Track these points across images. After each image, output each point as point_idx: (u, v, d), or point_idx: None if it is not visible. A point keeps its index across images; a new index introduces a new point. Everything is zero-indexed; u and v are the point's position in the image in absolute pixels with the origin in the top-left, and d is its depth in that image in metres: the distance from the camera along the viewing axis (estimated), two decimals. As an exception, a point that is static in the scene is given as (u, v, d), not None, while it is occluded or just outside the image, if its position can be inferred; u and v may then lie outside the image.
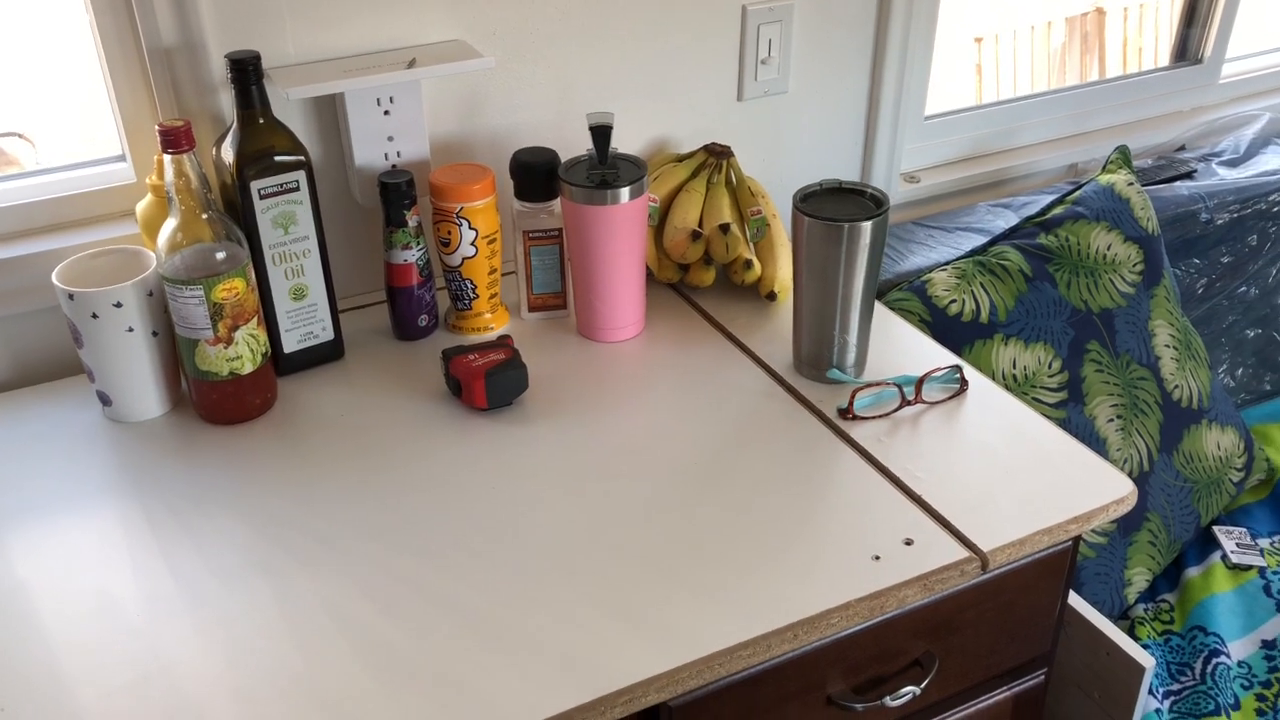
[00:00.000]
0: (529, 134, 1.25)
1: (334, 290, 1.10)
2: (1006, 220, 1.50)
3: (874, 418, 1.03)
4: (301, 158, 1.02)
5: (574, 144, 1.28)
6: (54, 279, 0.99)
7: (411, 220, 1.11)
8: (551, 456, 0.99)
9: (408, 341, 1.16)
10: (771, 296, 1.21)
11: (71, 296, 0.98)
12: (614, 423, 1.03)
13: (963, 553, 0.88)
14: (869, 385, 1.05)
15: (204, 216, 0.97)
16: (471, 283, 1.14)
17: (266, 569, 0.87)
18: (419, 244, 1.12)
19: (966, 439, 1.00)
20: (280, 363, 1.09)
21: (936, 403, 1.05)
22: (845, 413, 1.04)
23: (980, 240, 1.46)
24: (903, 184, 1.54)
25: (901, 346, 1.14)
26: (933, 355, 1.13)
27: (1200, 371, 1.44)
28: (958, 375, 1.07)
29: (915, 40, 1.42)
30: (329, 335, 1.11)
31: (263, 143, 1.01)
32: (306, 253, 1.06)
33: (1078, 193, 1.43)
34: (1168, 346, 1.41)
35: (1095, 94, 1.69)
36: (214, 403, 1.03)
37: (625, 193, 1.08)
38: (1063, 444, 0.99)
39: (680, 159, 1.30)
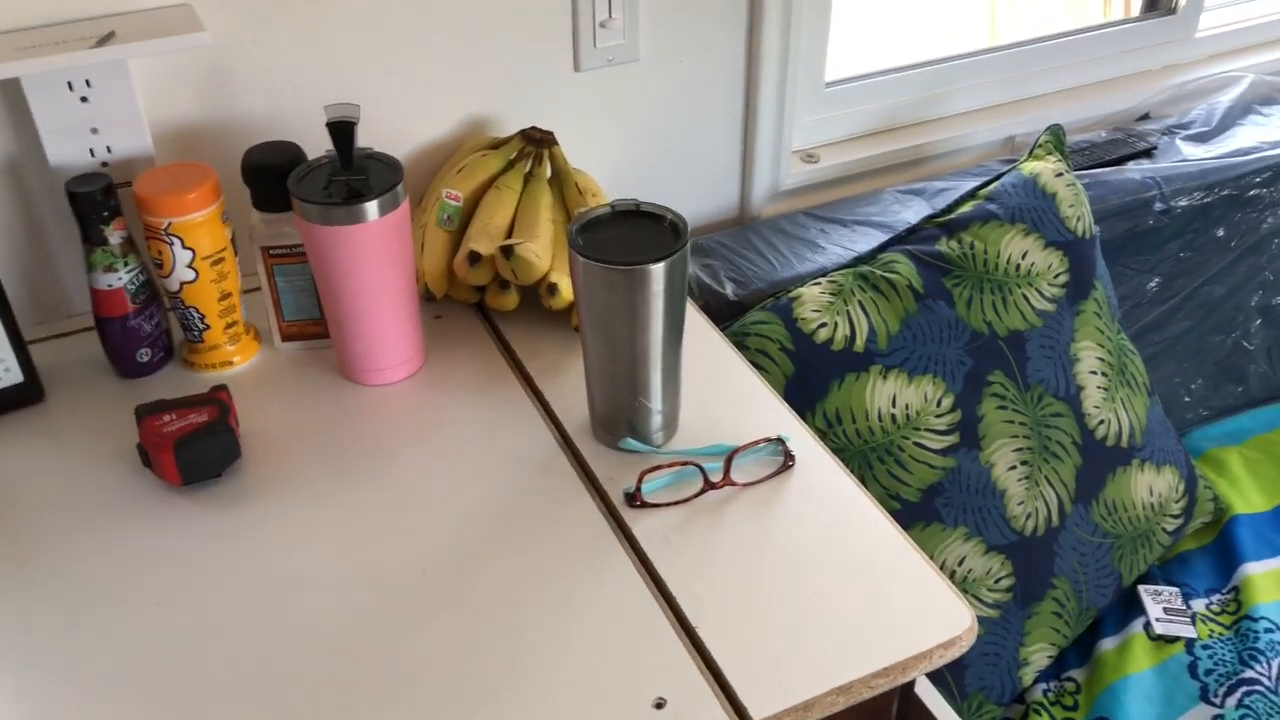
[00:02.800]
0: (296, 120, 1.01)
1: (16, 324, 0.88)
2: (916, 211, 1.26)
3: (667, 505, 0.82)
4: (-60, 165, 0.80)
5: (360, 125, 1.04)
6: None
7: (114, 236, 0.89)
8: (255, 553, 0.78)
9: (132, 379, 0.95)
10: (586, 325, 0.98)
11: None
12: (345, 504, 0.82)
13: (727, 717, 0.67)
14: (661, 467, 0.83)
15: None
16: (197, 311, 0.92)
17: None
18: (128, 264, 0.90)
19: (774, 542, 0.78)
20: (-48, 412, 0.89)
21: (751, 484, 0.83)
22: (632, 498, 0.82)
23: (883, 237, 1.22)
24: (797, 163, 1.30)
25: (735, 399, 0.92)
26: (771, 411, 0.90)
27: (1135, 400, 1.21)
28: (781, 449, 0.85)
29: (801, -5, 1.17)
30: (16, 377, 0.90)
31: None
32: (-36, 282, 0.84)
33: (993, 185, 1.18)
34: (1094, 373, 1.18)
35: (1039, 53, 1.43)
36: None
37: (372, 207, 0.85)
38: (897, 554, 0.77)
39: (495, 145, 1.07)
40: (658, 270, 0.78)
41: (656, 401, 0.84)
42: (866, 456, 1.06)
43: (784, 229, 1.24)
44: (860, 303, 1.08)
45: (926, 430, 1.08)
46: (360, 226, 0.85)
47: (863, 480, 1.05)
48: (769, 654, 0.71)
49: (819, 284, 1.10)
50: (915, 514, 1.07)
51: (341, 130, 0.86)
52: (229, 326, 0.94)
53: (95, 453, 0.87)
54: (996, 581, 1.09)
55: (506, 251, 0.93)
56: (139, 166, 0.94)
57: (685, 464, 0.82)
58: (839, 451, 1.06)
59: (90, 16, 0.90)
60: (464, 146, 1.08)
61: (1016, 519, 1.10)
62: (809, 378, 1.05)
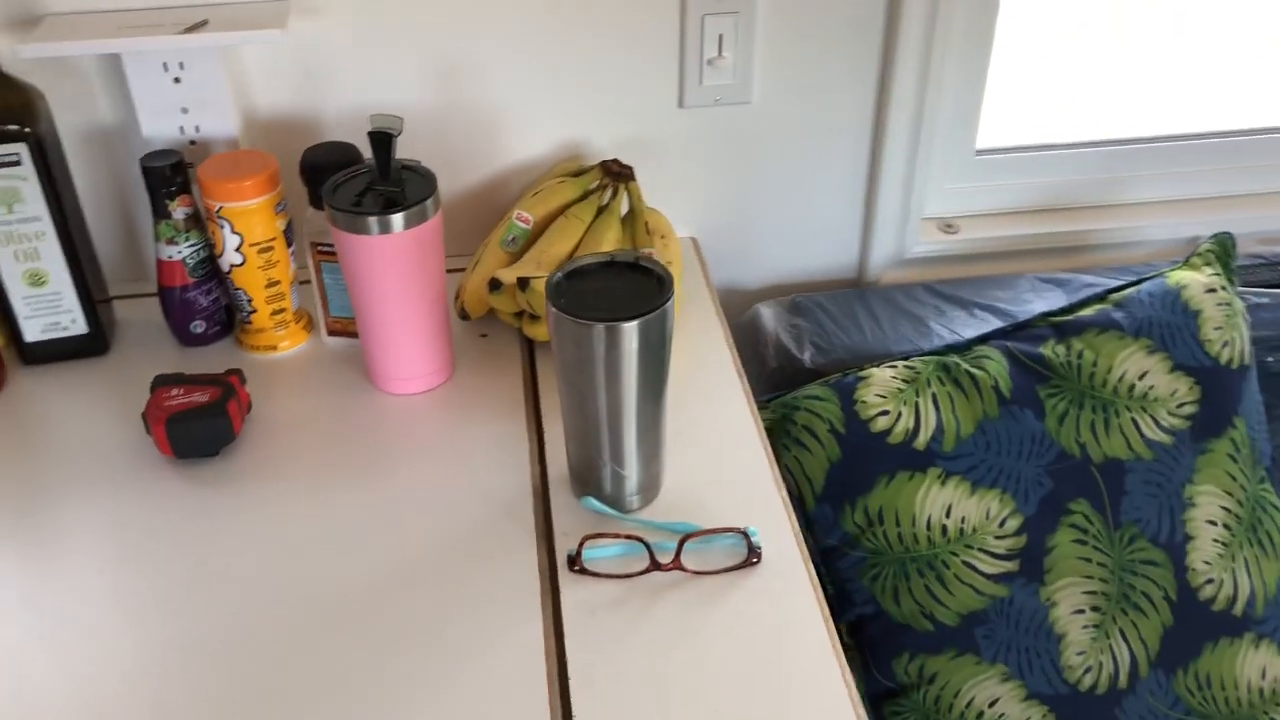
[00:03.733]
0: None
1: (86, 280, 0.95)
2: (1050, 304, 1.13)
3: (608, 576, 0.77)
4: (25, 128, 0.87)
5: (450, 134, 1.05)
6: None
7: (178, 211, 0.94)
8: (221, 533, 0.81)
9: (187, 348, 1.00)
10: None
11: None
12: (314, 505, 0.83)
13: (551, 830, 0.62)
14: (605, 535, 0.78)
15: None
16: (245, 294, 0.96)
17: None
18: (189, 239, 0.95)
19: (698, 644, 0.72)
20: (24, 351, 0.97)
21: (705, 573, 0.77)
22: (573, 561, 0.78)
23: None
24: (931, 232, 1.20)
25: (736, 477, 0.85)
26: (768, 499, 0.83)
27: (1265, 565, 1.03)
28: (744, 543, 0.78)
29: (954, 42, 1.07)
30: (81, 329, 0.97)
31: (-21, 104, 0.87)
32: (40, 235, 0.91)
33: (1127, 290, 1.04)
34: (1212, 523, 1.01)
35: (1254, 146, 1.25)
36: (-92, 389, 0.92)
37: (398, 220, 0.85)
38: (827, 701, 0.69)
39: (576, 174, 1.05)
40: (629, 329, 0.73)
41: (626, 465, 0.80)
42: (905, 566, 0.96)
43: (896, 300, 1.14)
44: (934, 395, 0.98)
45: (981, 550, 0.96)
46: (385, 237, 0.85)
47: (893, 592, 0.96)
48: (636, 764, 0.65)
49: (894, 366, 1.01)
50: (948, 639, 0.96)
51: (381, 140, 0.86)
52: (276, 313, 0.98)
53: (125, 411, 0.92)
54: (1033, 735, 0.96)
55: (523, 284, 0.91)
56: (222, 148, 0.99)
57: (631, 538, 0.77)
58: (874, 554, 0.96)
59: (192, 4, 0.95)
60: (553, 170, 1.07)
61: (1072, 670, 0.97)
62: (855, 467, 0.97)
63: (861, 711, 0.68)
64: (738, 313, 1.19)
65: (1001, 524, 0.97)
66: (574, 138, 1.08)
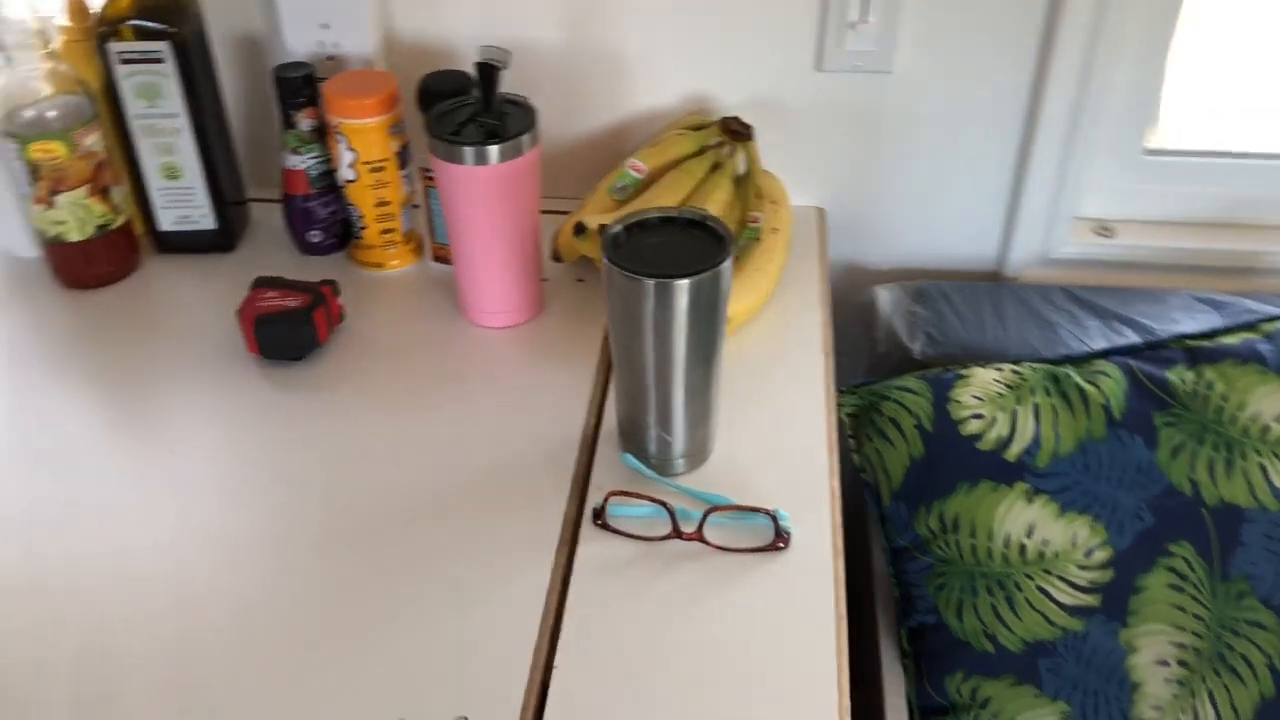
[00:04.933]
0: (526, 53, 1.04)
1: (218, 178, 1.00)
2: (1204, 324, 1.03)
3: (629, 536, 0.76)
4: (171, 28, 0.92)
5: (579, 76, 1.05)
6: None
7: (304, 123, 0.97)
8: (293, 431, 0.84)
9: (304, 256, 1.04)
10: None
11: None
12: (378, 421, 0.85)
13: (499, 773, 0.62)
14: (630, 494, 0.76)
15: (47, 68, 0.92)
16: (357, 210, 0.99)
17: None
18: (312, 151, 0.99)
19: (700, 618, 0.70)
20: (159, 239, 1.04)
21: (727, 550, 0.75)
22: (597, 515, 0.77)
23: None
24: (1083, 233, 1.11)
25: (792, 458, 0.82)
26: (818, 487, 0.80)
27: (1402, 649, 0.91)
28: (777, 525, 0.75)
29: (1130, 23, 0.97)
30: (210, 224, 1.03)
31: (133, 2, 0.92)
32: (176, 131, 0.97)
33: (1276, 324, 0.93)
34: (1342, 594, 0.90)
35: None
36: (50, 261, 1.00)
37: (486, 152, 0.85)
38: (818, 703, 0.66)
39: (697, 128, 1.02)
40: (680, 287, 0.71)
41: (668, 427, 0.78)
42: (973, 580, 0.90)
43: (1029, 301, 1.06)
44: (1037, 406, 0.91)
45: (1060, 578, 0.89)
46: (474, 169, 0.86)
47: (957, 606, 0.90)
48: (601, 726, 0.64)
49: (999, 369, 0.94)
50: (1009, 665, 0.90)
51: (486, 72, 0.86)
52: (385, 232, 1.00)
53: (233, 307, 0.97)
54: (1088, 784, 0.89)
55: (579, 229, 0.90)
56: (357, 66, 1.02)
57: (657, 501, 0.75)
58: (943, 563, 0.91)
59: (342, -77, 0.98)
60: (676, 122, 1.05)
61: (1144, 724, 0.89)
62: (937, 469, 0.91)
63: (847, 720, 0.65)
64: (856, 292, 1.14)
65: (1088, 554, 0.89)
66: (703, 91, 1.05)
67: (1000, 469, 0.90)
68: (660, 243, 0.75)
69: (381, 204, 0.98)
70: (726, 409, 0.86)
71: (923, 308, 1.06)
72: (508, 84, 0.87)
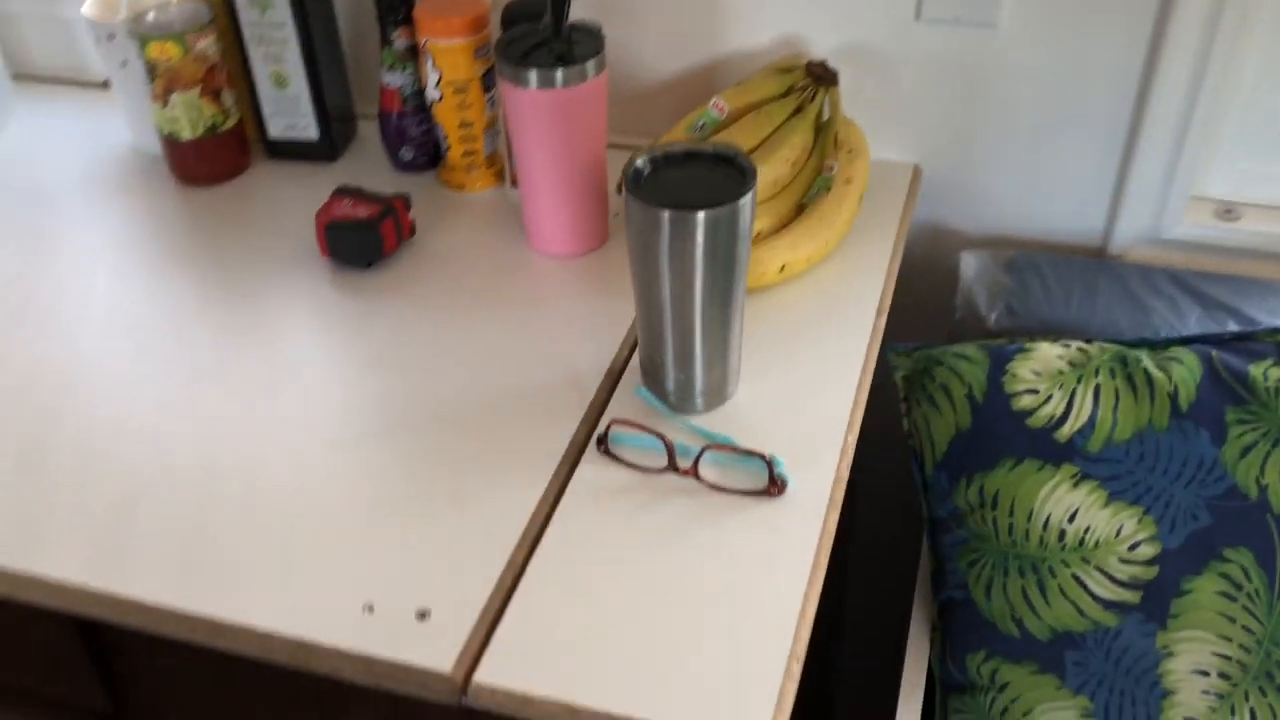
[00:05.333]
0: (618, -13, 1.04)
1: (323, 89, 1.05)
2: (1319, 324, 0.94)
3: (628, 465, 0.76)
4: (280, -59, 0.98)
5: (676, 11, 1.04)
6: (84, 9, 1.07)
7: (399, 41, 1.01)
8: (339, 331, 0.89)
9: (399, 172, 1.09)
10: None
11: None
12: (427, 330, 0.89)
13: (443, 660, 0.64)
14: (630, 424, 0.77)
15: (172, -26, 0.99)
16: (441, 130, 1.02)
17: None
18: (406, 69, 1.02)
19: (683, 560, 0.70)
20: (268, 144, 1.10)
21: (720, 489, 0.74)
22: (600, 441, 0.78)
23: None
24: (1202, 214, 1.03)
25: (815, 410, 0.81)
26: (834, 441, 0.78)
27: None
28: (773, 472, 0.74)
29: None
30: (313, 134, 1.08)
31: (249, -85, 0.98)
32: (285, 41, 1.02)
33: (1388, 325, 0.84)
34: None
35: None
36: (167, 157, 1.07)
37: (551, 76, 0.86)
38: (772, 641, 0.65)
39: (785, 70, 1.00)
40: (696, 220, 0.71)
41: (682, 364, 0.78)
42: (1006, 560, 0.86)
43: (1127, 281, 1.00)
44: (1098, 387, 0.86)
45: (1099, 569, 0.84)
46: (534, 92, 0.87)
47: (987, 584, 0.87)
48: (548, 638, 0.65)
49: (1066, 345, 0.89)
50: (1032, 652, 0.86)
51: (556, 1, 0.87)
52: (466, 154, 1.03)
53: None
54: (1104, 786, 0.85)
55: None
56: (458, -10, 1.04)
57: (655, 434, 0.76)
58: (978, 539, 0.88)
59: None
60: (767, 64, 1.03)
61: (1173, 734, 0.83)
62: (982, 442, 0.88)
63: (790, 686, 0.63)
64: (943, 256, 1.09)
65: (1132, 548, 0.84)
66: (798, 34, 1.03)
67: (1049, 448, 0.86)
68: (685, 177, 0.74)
69: (464, 125, 1.01)
70: (760, 355, 0.85)
71: (1010, 278, 1.01)
72: (606, 14, 0.87)
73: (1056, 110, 0.99)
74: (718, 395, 0.81)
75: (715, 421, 0.80)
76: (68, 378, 0.86)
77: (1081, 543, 0.85)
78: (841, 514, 0.76)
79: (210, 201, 1.06)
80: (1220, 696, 0.83)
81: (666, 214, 0.71)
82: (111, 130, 1.17)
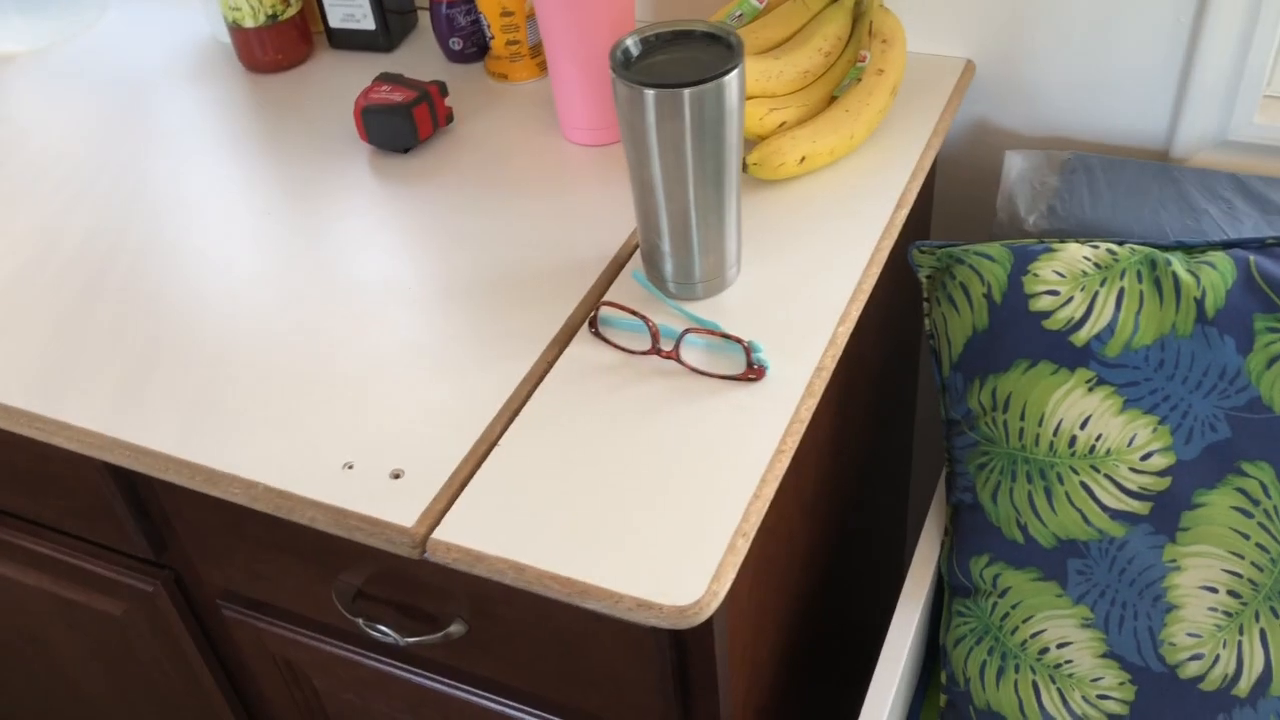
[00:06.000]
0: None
1: (377, -20, 1.08)
2: (1391, 236, 0.87)
3: (615, 346, 0.78)
4: None
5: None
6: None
7: (446, -70, 1.03)
8: (383, 213, 0.93)
9: (448, 63, 1.11)
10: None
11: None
12: (456, 211, 0.91)
13: (406, 516, 0.67)
14: (617, 306, 0.77)
15: None
16: (484, 19, 1.03)
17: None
18: (454, -41, 1.04)
19: (654, 436, 0.71)
20: (329, 34, 1.13)
21: (699, 372, 0.75)
22: (591, 323, 0.79)
23: (1304, 245, 0.88)
24: (1278, 114, 0.96)
25: (811, 301, 0.80)
26: (810, 334, 0.77)
27: None
28: (752, 358, 0.74)
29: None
30: (370, 25, 1.11)
31: None
32: (338, -68, 1.05)
33: None
34: None
35: None
36: (234, 45, 1.12)
37: (575, -37, 0.87)
38: (726, 507, 0.66)
39: (820, -43, 0.97)
40: (684, 96, 0.70)
41: (677, 248, 0.78)
42: (1015, 464, 0.84)
43: (1182, 184, 0.94)
44: (1123, 290, 0.82)
45: (1107, 477, 0.82)
46: (562, -21, 0.88)
47: (994, 488, 0.85)
48: (509, 502, 0.68)
49: (1096, 247, 0.85)
50: (1035, 559, 0.84)
51: (582, -119, 0.87)
52: (510, 44, 1.04)
53: (369, 101, 1.06)
54: (1099, 697, 0.83)
55: None
56: (505, -121, 1.04)
57: (640, 316, 0.76)
58: (987, 442, 0.86)
59: None
60: (813, -50, 1.00)
61: (1174, 648, 0.81)
62: (997, 342, 0.85)
63: (731, 560, 0.64)
64: (993, 155, 1.05)
65: (1145, 457, 0.81)
66: (847, -79, 0.99)
67: (1064, 352, 0.83)
68: (675, 58, 0.74)
69: (506, 14, 1.02)
70: (768, 245, 0.85)
71: (1057, 179, 0.97)
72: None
73: None
74: (714, 282, 0.81)
75: (709, 309, 0.80)
76: (119, 244, 0.92)
77: (1092, 450, 0.82)
78: (849, 410, 0.75)
79: (273, 88, 1.10)
80: (1229, 614, 0.80)
81: (651, 93, 0.71)
82: (193, 21, 1.23)
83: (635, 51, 0.74)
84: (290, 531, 0.79)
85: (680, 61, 0.73)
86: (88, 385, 0.80)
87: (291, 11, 1.09)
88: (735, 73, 0.71)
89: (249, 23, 1.08)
